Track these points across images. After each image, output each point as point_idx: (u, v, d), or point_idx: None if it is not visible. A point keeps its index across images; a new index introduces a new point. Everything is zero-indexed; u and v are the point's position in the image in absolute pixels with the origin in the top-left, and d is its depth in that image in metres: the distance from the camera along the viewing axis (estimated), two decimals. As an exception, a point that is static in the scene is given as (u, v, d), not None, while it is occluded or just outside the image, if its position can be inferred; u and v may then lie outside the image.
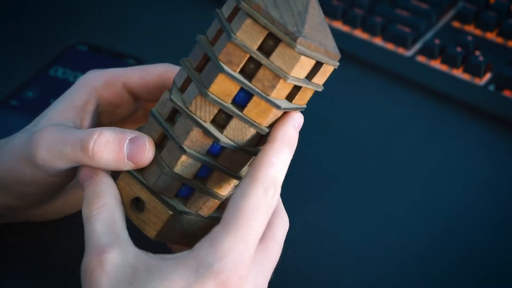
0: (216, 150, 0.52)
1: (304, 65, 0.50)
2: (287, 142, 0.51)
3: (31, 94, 0.73)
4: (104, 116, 0.60)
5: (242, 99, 0.51)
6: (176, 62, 0.57)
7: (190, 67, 0.52)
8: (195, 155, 0.52)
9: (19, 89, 0.73)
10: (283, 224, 0.53)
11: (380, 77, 0.77)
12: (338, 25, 0.80)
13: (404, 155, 0.70)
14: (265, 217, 0.49)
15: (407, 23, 0.78)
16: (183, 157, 0.51)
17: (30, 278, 0.60)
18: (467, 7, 0.79)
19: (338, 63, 0.52)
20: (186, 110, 0.51)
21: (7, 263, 0.61)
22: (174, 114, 0.53)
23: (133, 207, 0.53)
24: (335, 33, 0.79)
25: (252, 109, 0.51)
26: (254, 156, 0.53)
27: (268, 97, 0.50)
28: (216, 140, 0.51)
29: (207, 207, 0.54)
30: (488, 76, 0.75)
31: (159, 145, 0.53)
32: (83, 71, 0.70)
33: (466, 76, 0.75)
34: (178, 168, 0.52)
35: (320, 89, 0.52)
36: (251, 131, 0.51)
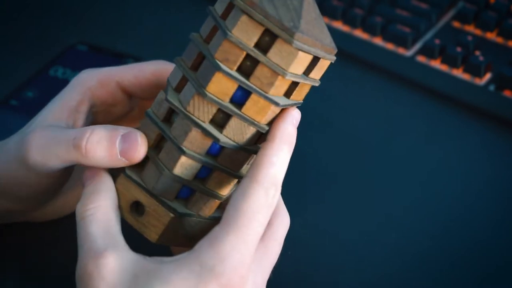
0: (215, 150, 0.52)
1: (301, 61, 0.50)
2: (286, 140, 0.50)
3: (31, 94, 0.73)
4: (100, 116, 0.60)
5: (240, 97, 0.50)
6: (176, 62, 0.57)
7: (185, 66, 0.51)
8: (194, 155, 0.51)
9: (19, 89, 0.73)
10: (283, 223, 0.53)
11: (380, 77, 0.77)
12: (338, 25, 0.80)
13: (404, 155, 0.70)
14: (265, 217, 0.49)
15: (407, 23, 0.78)
16: (183, 158, 0.51)
17: (30, 278, 0.60)
18: (467, 7, 0.79)
19: (335, 57, 0.52)
20: (184, 111, 0.51)
21: (7, 263, 0.61)
22: (170, 115, 0.52)
23: (132, 210, 0.53)
24: (335, 33, 0.79)
25: (251, 107, 0.50)
26: (253, 155, 0.53)
27: (267, 95, 0.50)
28: (215, 140, 0.51)
29: (207, 208, 0.53)
30: (488, 76, 0.75)
31: (157, 147, 0.53)
32: (83, 71, 0.70)
33: (466, 76, 0.75)
34: (177, 170, 0.51)
35: (317, 84, 0.52)
36: (251, 130, 0.51)
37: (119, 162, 0.52)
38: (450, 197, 0.66)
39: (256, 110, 0.50)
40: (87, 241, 0.50)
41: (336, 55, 0.78)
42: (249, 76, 0.50)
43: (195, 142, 0.51)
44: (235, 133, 0.51)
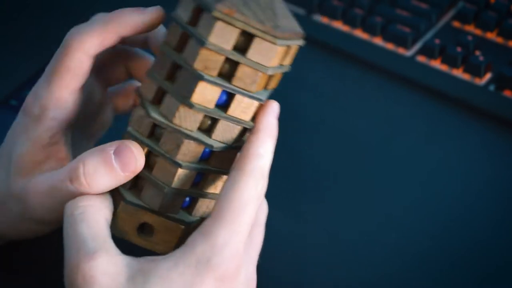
0: (207, 155, 0.52)
1: (280, 54, 0.50)
2: (270, 132, 0.51)
3: (31, 94, 0.73)
4: (77, 127, 0.59)
5: (224, 100, 0.51)
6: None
7: (159, 78, 0.51)
8: (190, 166, 0.51)
9: (19, 89, 0.73)
10: (263, 209, 0.54)
11: (380, 77, 0.77)
12: (338, 25, 0.80)
13: (404, 155, 0.70)
14: (255, 208, 0.50)
15: (407, 23, 0.78)
16: (179, 171, 0.51)
17: (31, 278, 0.60)
18: (467, 7, 0.79)
19: (304, 41, 0.52)
20: (171, 125, 0.50)
21: (7, 263, 0.61)
22: (153, 129, 0.51)
23: (140, 233, 0.53)
24: (335, 33, 0.79)
25: (236, 108, 0.51)
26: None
27: (251, 94, 0.50)
28: (208, 146, 0.51)
29: (208, 209, 0.54)
30: (488, 76, 0.75)
31: (147, 164, 0.52)
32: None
33: (466, 76, 0.75)
34: (176, 183, 0.51)
35: (289, 69, 0.52)
36: (238, 128, 0.51)
37: (125, 177, 0.51)
38: (450, 197, 0.66)
39: (241, 109, 0.51)
40: (77, 241, 0.49)
41: (336, 55, 0.78)
42: (230, 78, 0.50)
43: (188, 153, 0.51)
44: (224, 134, 0.51)
